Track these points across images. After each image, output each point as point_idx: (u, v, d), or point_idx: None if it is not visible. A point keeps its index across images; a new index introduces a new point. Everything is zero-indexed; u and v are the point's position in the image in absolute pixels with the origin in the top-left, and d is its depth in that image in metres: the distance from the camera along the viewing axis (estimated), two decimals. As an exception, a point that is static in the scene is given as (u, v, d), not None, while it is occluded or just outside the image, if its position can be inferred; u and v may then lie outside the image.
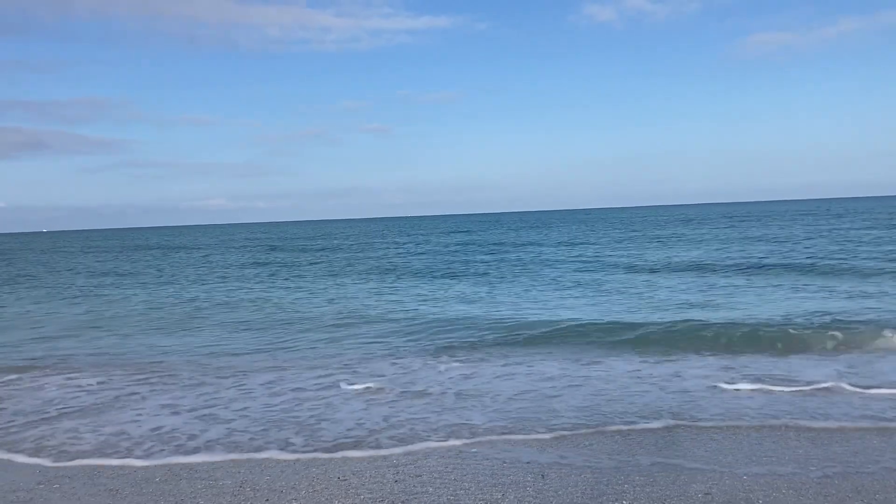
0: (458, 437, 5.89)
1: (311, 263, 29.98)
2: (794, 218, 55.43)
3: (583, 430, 5.97)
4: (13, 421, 6.88)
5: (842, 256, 21.38)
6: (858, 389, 7.00)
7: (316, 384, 8.08)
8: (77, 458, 5.71)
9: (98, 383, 8.45)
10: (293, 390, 7.82)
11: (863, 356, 8.63)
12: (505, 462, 5.23)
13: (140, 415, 6.99)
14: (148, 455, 5.72)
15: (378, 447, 5.74)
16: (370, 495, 4.65)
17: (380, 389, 7.70)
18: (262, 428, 6.41)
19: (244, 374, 8.73)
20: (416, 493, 4.66)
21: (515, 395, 7.30)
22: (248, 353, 10.28)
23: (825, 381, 7.31)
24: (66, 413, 7.11)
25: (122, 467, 5.45)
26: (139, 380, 8.59)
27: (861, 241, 27.13)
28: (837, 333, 9.53)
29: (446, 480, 4.88)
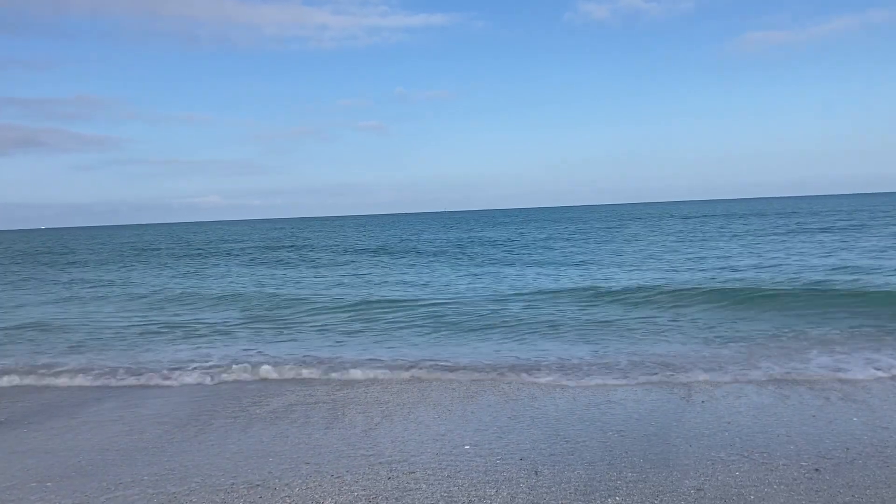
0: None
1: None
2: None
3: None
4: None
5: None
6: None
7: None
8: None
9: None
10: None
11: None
12: (498, 458, 5.24)
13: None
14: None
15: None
16: (364, 492, 4.65)
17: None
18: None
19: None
20: (410, 490, 4.67)
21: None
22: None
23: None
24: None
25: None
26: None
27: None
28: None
29: (439, 477, 4.89)
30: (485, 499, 4.48)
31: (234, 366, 8.88)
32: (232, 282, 21.44)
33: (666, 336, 10.27)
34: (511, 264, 23.91)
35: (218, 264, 30.02)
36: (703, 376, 7.69)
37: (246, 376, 8.52)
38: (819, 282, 14.94)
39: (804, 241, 27.57)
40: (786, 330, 10.24)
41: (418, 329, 11.73)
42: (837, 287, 13.99)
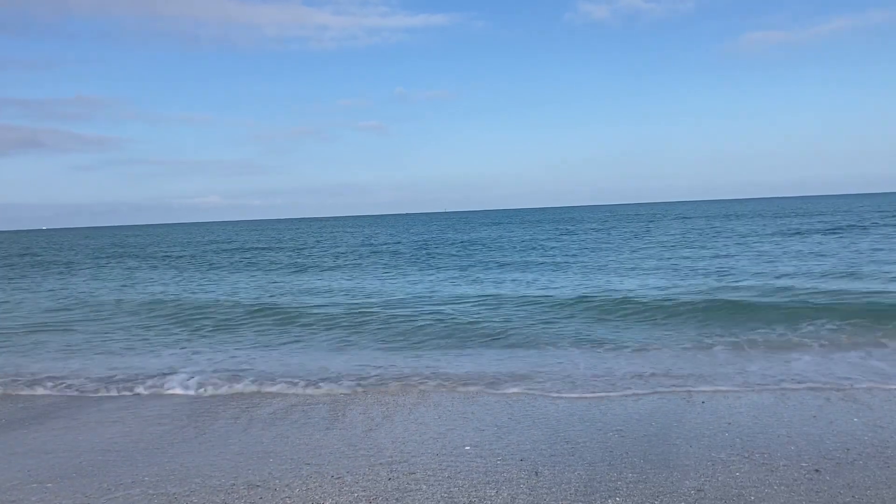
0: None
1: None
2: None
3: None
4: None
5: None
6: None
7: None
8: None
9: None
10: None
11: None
12: (499, 459, 5.24)
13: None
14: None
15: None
16: (364, 493, 4.65)
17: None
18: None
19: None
20: (410, 491, 4.66)
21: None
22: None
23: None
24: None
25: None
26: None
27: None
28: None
29: (440, 478, 4.89)
30: (485, 499, 4.48)
31: (230, 381, 8.66)
32: (228, 285, 21.39)
33: (657, 340, 10.26)
34: (505, 267, 23.92)
35: (216, 264, 29.98)
36: (701, 382, 7.70)
37: (237, 389, 8.18)
38: (813, 287, 14.77)
39: (801, 242, 27.57)
40: (778, 332, 10.22)
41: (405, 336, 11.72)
42: (825, 292, 13.81)
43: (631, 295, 14.49)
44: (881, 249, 22.68)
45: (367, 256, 31.15)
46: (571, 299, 14.31)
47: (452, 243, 39.00)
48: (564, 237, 40.64)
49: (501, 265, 23.77)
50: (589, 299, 14.15)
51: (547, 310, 13.22)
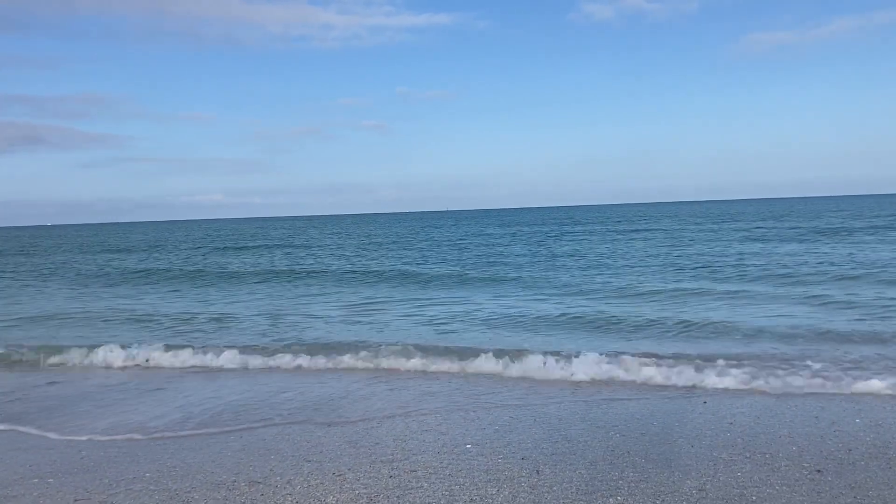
0: (453, 433, 5.87)
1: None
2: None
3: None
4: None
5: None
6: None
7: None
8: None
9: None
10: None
11: None
12: (500, 457, 5.24)
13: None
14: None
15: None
16: (365, 490, 4.65)
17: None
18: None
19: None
20: (412, 489, 4.66)
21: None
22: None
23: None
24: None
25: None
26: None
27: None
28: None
29: (441, 476, 4.88)
30: (486, 498, 4.47)
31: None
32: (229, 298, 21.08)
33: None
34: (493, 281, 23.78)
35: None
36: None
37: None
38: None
39: (806, 246, 27.49)
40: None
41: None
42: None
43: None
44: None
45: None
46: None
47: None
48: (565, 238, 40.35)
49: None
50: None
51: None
